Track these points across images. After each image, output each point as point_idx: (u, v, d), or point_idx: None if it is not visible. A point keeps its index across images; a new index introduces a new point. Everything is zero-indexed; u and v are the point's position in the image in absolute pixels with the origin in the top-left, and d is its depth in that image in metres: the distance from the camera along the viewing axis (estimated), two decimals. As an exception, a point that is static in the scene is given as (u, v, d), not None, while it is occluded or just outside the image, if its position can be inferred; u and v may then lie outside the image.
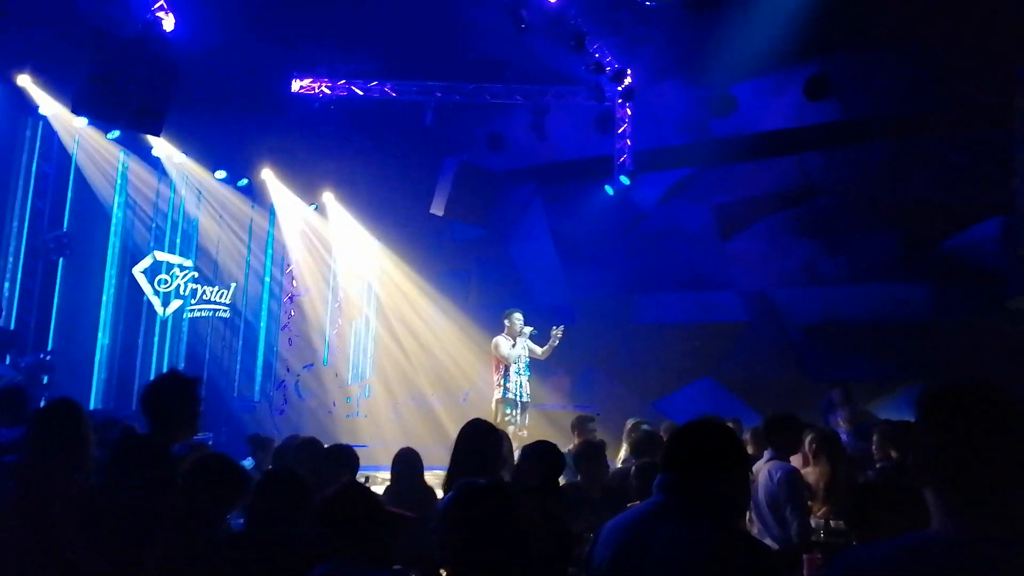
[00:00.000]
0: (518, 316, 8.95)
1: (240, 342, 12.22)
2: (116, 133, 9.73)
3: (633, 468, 4.80)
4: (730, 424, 2.29)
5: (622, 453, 7.10)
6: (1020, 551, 1.34)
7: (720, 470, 2.04)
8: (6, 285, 9.37)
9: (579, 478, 4.75)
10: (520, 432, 8.35)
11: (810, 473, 4.97)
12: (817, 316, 10.68)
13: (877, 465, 5.13)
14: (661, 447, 5.75)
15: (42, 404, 7.94)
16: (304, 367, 12.52)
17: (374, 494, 2.54)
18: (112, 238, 10.58)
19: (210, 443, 5.43)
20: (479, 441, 3.69)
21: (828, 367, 10.44)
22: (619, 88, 10.71)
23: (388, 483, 4.79)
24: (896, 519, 2.59)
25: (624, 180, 11.07)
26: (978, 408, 1.46)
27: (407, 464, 4.61)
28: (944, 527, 1.41)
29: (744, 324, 11.22)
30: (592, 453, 4.82)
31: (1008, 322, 8.81)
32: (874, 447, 5.36)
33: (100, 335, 10.42)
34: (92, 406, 9.86)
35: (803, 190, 10.91)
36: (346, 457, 4.12)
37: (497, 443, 3.74)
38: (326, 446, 4.36)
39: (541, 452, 3.73)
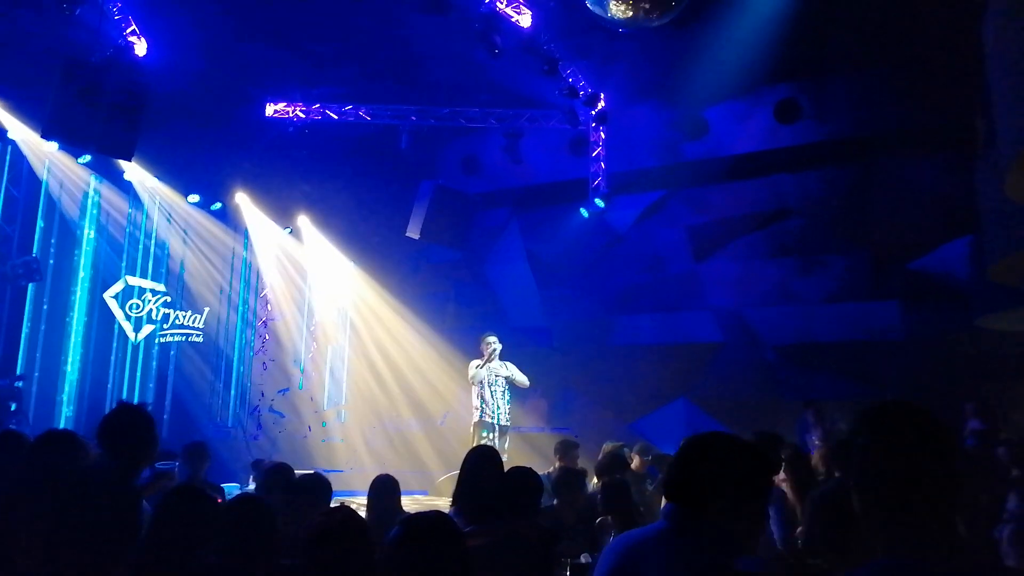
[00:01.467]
0: (489, 339, 8.96)
1: (213, 367, 12.07)
2: (87, 158, 9.64)
3: (600, 486, 4.86)
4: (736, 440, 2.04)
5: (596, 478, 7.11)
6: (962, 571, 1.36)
7: (717, 499, 1.90)
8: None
9: (555, 502, 4.75)
10: (500, 456, 8.30)
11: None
12: (790, 336, 10.77)
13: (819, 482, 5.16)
14: (625, 466, 5.79)
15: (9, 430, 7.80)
16: (279, 392, 12.39)
17: (364, 523, 2.50)
18: (83, 263, 10.44)
19: (175, 469, 5.34)
20: (480, 465, 3.69)
21: (802, 386, 10.52)
22: (592, 112, 10.82)
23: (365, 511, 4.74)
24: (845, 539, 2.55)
25: (599, 203, 11.15)
26: (912, 430, 1.49)
27: (384, 491, 4.57)
28: (894, 552, 1.43)
29: (719, 344, 11.29)
30: (571, 480, 4.84)
31: (977, 341, 8.96)
32: (818, 464, 5.39)
33: (70, 361, 10.25)
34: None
35: (775, 211, 11.06)
36: (319, 486, 4.07)
37: (496, 466, 3.72)
38: (298, 473, 4.30)
39: (520, 478, 3.74)
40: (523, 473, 3.70)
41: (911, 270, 9.95)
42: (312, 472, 4.30)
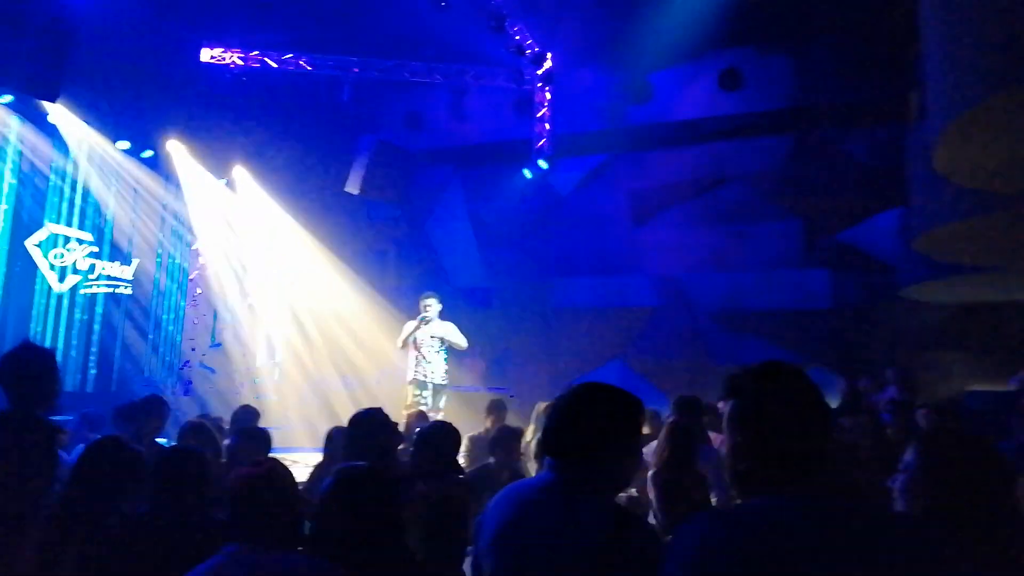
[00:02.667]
0: (429, 301, 8.93)
1: (142, 321, 11.73)
2: (8, 98, 9.14)
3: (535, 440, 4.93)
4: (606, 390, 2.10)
5: (530, 432, 7.19)
6: (826, 509, 1.48)
7: (594, 449, 1.98)
8: None
9: (492, 461, 4.79)
10: (435, 415, 8.32)
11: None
12: (723, 302, 11.03)
13: None
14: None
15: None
16: (211, 346, 12.14)
17: (291, 475, 2.47)
18: (3, 209, 9.97)
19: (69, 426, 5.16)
20: (368, 426, 3.67)
21: (732, 351, 10.82)
22: (539, 72, 10.74)
23: (320, 462, 4.73)
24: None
25: (542, 164, 11.13)
26: (777, 386, 1.60)
27: (339, 443, 4.55)
28: (763, 496, 1.54)
29: (655, 308, 11.49)
30: (507, 438, 4.88)
31: (901, 311, 9.31)
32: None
33: (-11, 311, 9.83)
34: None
35: (713, 179, 11.23)
36: (260, 437, 4.03)
37: (388, 427, 3.73)
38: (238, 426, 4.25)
39: (431, 435, 3.75)
40: (438, 431, 3.72)
41: (841, 240, 10.25)
42: (254, 425, 4.26)
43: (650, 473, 4.36)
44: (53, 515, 2.74)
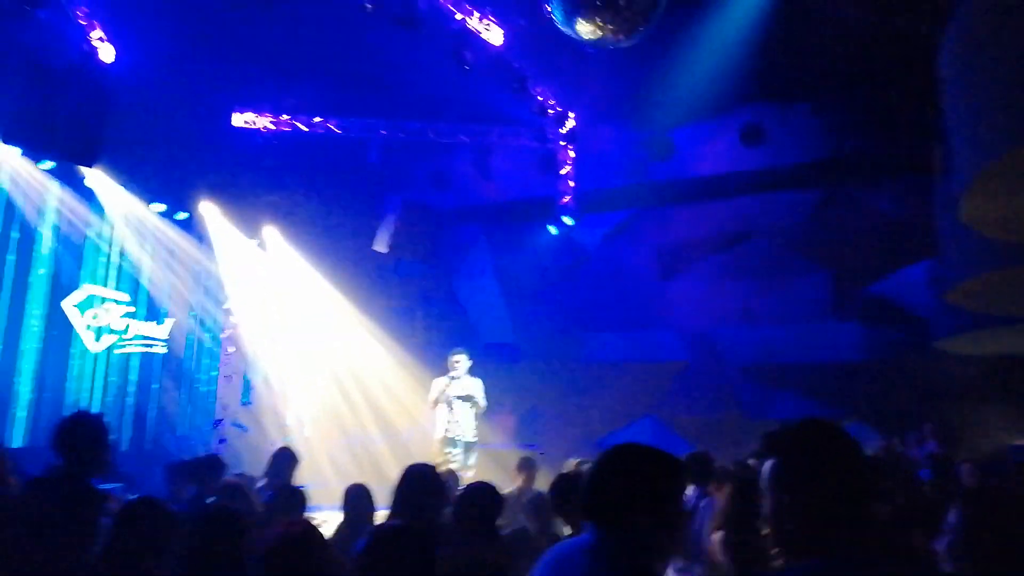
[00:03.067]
0: (458, 358, 8.93)
1: (175, 379, 11.88)
2: (50, 164, 9.47)
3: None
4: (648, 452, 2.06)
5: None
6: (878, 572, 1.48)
7: (632, 513, 1.92)
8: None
9: (528, 525, 4.68)
10: (465, 472, 8.27)
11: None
12: (753, 355, 10.92)
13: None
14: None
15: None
16: (242, 404, 12.23)
17: (323, 538, 2.47)
18: (42, 271, 10.23)
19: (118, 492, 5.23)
20: (419, 483, 3.60)
21: (764, 406, 10.67)
22: (561, 130, 10.91)
23: (341, 522, 4.69)
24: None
25: (567, 220, 11.22)
26: (821, 444, 1.59)
27: (361, 501, 4.54)
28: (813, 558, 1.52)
29: (684, 363, 11.39)
30: (546, 504, 4.79)
31: (934, 363, 9.14)
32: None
33: (26, 371, 10.01)
34: (21, 443, 9.45)
35: (739, 232, 11.23)
36: (297, 497, 4.05)
37: (438, 486, 3.66)
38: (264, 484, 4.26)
39: (475, 496, 3.65)
40: (482, 491, 3.63)
41: (870, 293, 10.15)
42: (289, 485, 4.26)
43: (717, 535, 4.23)
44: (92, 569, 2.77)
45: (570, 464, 7.35)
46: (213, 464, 5.14)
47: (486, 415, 9.85)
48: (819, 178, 10.64)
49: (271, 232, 12.43)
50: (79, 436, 3.48)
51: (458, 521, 3.51)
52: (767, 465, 1.62)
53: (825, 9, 8.51)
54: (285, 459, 5.98)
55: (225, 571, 2.75)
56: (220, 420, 12.00)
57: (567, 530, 4.45)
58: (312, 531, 2.40)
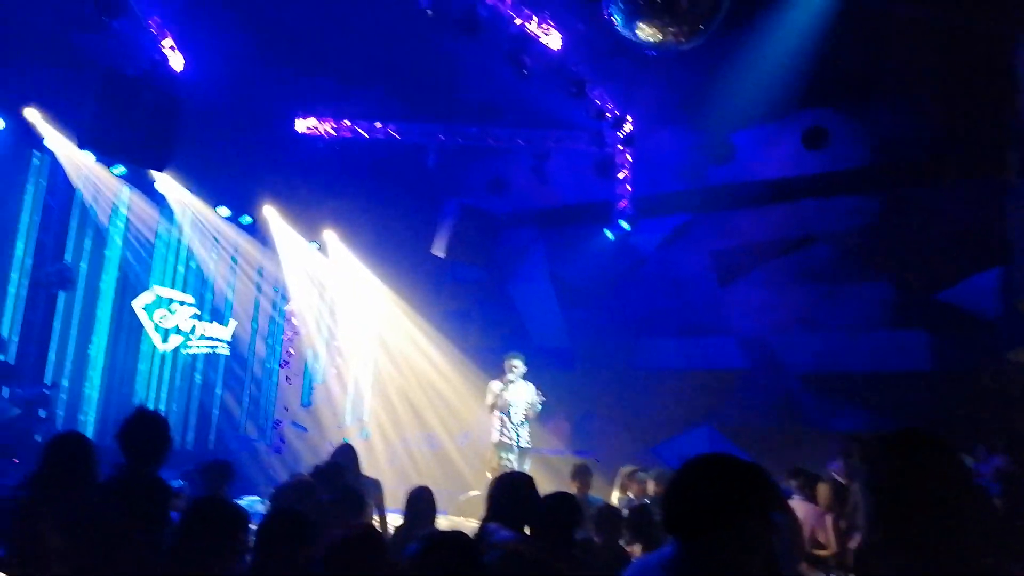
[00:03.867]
0: (515, 362, 8.92)
1: (238, 380, 12.18)
2: (122, 169, 9.83)
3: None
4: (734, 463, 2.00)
5: (614, 498, 7.07)
6: None
7: (714, 525, 1.87)
8: (8, 317, 9.37)
9: (596, 538, 4.66)
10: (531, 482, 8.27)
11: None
12: (814, 364, 10.65)
13: None
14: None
15: (38, 439, 7.93)
16: (302, 405, 12.47)
17: (384, 542, 2.51)
18: (113, 272, 10.61)
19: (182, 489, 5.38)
20: (511, 494, 3.57)
21: (826, 416, 10.40)
22: (619, 134, 10.85)
23: (400, 524, 4.75)
24: None
25: (624, 225, 11.15)
26: (926, 457, 1.53)
27: (422, 503, 4.58)
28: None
29: (743, 371, 11.20)
30: (612, 516, 4.77)
31: (1007, 374, 8.80)
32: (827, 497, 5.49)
33: (97, 369, 10.40)
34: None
35: (801, 238, 10.98)
36: (355, 500, 4.11)
37: (529, 495, 3.60)
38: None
39: (556, 506, 3.50)
40: (563, 501, 3.54)
41: (938, 300, 9.82)
42: (347, 488, 4.33)
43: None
44: (164, 568, 2.84)
45: (623, 472, 7.32)
46: (222, 470, 5.23)
47: (540, 421, 9.85)
48: (884, 182, 10.35)
49: (331, 236, 12.67)
50: (142, 433, 3.59)
51: (537, 531, 3.44)
52: (844, 469, 1.56)
53: (891, 9, 8.30)
54: (346, 454, 6.07)
55: (288, 572, 2.79)
56: (280, 421, 12.25)
57: (637, 548, 4.39)
58: (372, 534, 2.43)
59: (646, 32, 6.70)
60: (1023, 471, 7.44)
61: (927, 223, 9.96)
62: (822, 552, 5.21)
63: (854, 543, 4.88)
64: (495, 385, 8.95)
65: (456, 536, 2.47)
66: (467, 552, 2.36)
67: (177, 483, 5.43)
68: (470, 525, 4.17)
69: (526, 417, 8.91)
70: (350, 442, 7.09)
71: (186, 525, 2.98)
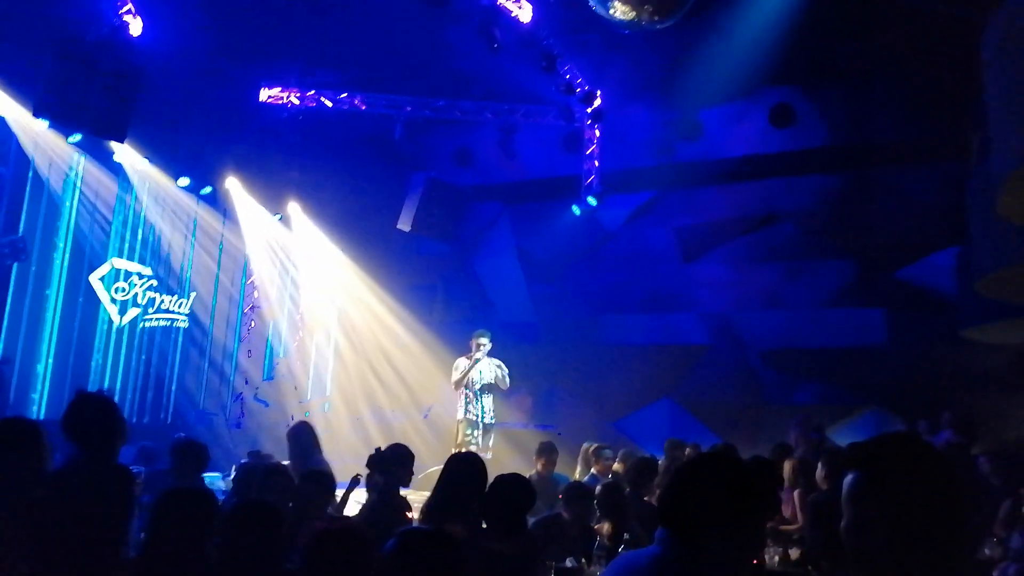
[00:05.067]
0: (482, 340, 8.92)
1: (198, 353, 11.99)
2: (77, 137, 9.50)
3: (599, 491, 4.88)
4: (733, 457, 1.98)
5: (577, 474, 7.13)
6: None
7: (709, 524, 1.86)
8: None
9: (565, 514, 4.70)
10: (484, 454, 8.32)
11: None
12: (776, 340, 10.86)
13: None
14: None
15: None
16: (264, 379, 12.33)
17: (365, 537, 2.49)
18: (69, 244, 10.32)
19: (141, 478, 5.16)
20: (464, 474, 3.57)
21: (786, 391, 10.64)
22: (588, 109, 10.80)
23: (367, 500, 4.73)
24: None
25: (591, 201, 11.15)
26: (917, 468, 1.52)
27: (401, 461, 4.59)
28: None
29: (705, 347, 11.36)
30: (583, 495, 4.82)
31: (961, 351, 9.06)
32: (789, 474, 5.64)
33: (51, 344, 10.14)
34: (41, 416, 9.57)
35: (765, 216, 11.14)
36: (325, 481, 4.08)
37: (480, 476, 3.60)
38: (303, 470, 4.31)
39: (507, 492, 3.51)
40: (513, 485, 3.52)
41: (898, 279, 10.06)
42: (317, 468, 4.30)
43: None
44: (136, 561, 2.79)
45: (587, 449, 7.37)
46: (199, 454, 5.01)
47: (502, 395, 9.89)
48: (848, 162, 10.52)
49: (294, 208, 12.46)
50: (90, 418, 3.35)
51: (487, 515, 3.44)
52: (850, 478, 1.56)
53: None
54: (305, 434, 6.00)
55: (261, 562, 2.76)
56: (240, 395, 12.11)
57: (607, 526, 4.44)
58: (354, 531, 2.43)
59: (620, 10, 6.65)
60: (968, 444, 7.71)
61: (888, 203, 10.17)
62: (788, 527, 5.33)
63: None
64: (461, 362, 8.96)
65: (432, 531, 2.46)
66: (446, 549, 2.34)
67: (137, 469, 5.29)
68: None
69: (491, 392, 8.94)
70: (307, 420, 7.00)
71: (159, 518, 2.91)
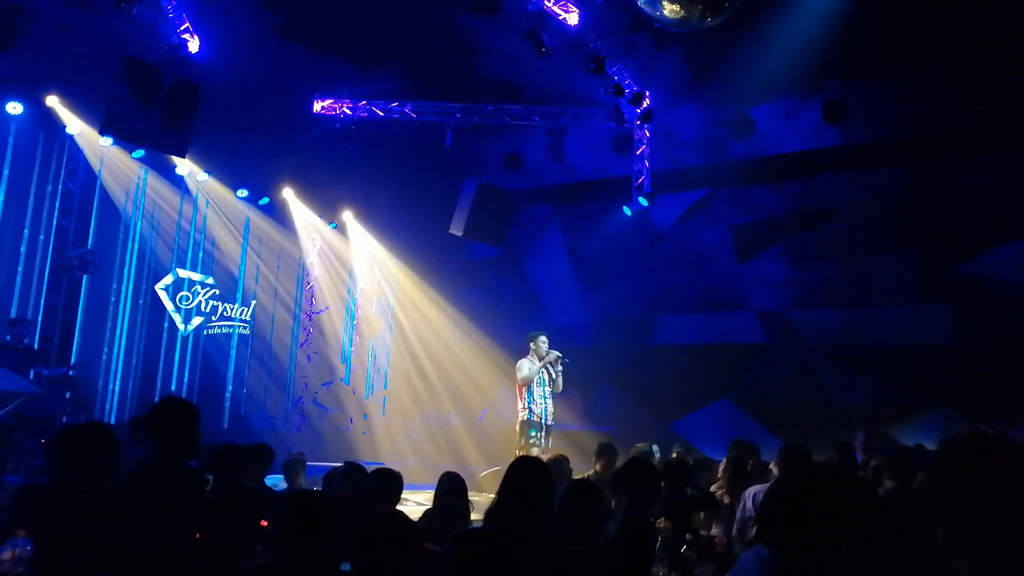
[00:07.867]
0: (543, 339, 8.92)
1: (259, 360, 12.29)
2: (141, 152, 9.86)
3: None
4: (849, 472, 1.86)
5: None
6: None
7: (817, 546, 1.73)
8: (31, 301, 9.48)
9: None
10: (545, 455, 8.34)
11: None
12: (834, 338, 10.66)
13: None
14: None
15: (64, 419, 8.06)
16: (323, 384, 12.58)
17: (416, 526, 2.54)
18: (134, 255, 10.70)
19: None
20: (528, 479, 3.58)
21: (846, 390, 10.41)
22: (637, 110, 10.76)
23: (429, 505, 4.80)
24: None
25: (642, 201, 11.10)
26: (995, 466, 1.52)
27: (451, 489, 4.63)
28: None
29: (762, 346, 11.20)
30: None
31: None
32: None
33: (119, 351, 10.52)
34: (112, 421, 9.94)
35: (820, 212, 10.93)
36: (392, 481, 4.16)
37: (548, 482, 3.60)
38: (370, 470, 4.40)
39: (583, 498, 3.44)
40: (584, 493, 3.46)
41: (961, 273, 9.77)
42: (384, 468, 4.38)
43: None
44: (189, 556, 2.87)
45: (639, 449, 7.34)
46: (265, 455, 5.12)
47: (556, 396, 9.90)
48: (905, 155, 10.26)
49: (349, 216, 12.70)
50: (174, 421, 3.43)
51: (563, 518, 3.44)
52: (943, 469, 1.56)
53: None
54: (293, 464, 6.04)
55: (317, 560, 2.80)
56: (300, 399, 12.38)
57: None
58: (409, 527, 2.47)
59: (670, 9, 6.62)
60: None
61: (948, 196, 9.88)
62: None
63: None
64: (524, 363, 8.94)
65: (490, 535, 2.49)
66: (503, 553, 2.35)
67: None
68: (485, 501, 4.25)
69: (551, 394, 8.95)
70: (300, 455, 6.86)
71: (210, 512, 2.97)
